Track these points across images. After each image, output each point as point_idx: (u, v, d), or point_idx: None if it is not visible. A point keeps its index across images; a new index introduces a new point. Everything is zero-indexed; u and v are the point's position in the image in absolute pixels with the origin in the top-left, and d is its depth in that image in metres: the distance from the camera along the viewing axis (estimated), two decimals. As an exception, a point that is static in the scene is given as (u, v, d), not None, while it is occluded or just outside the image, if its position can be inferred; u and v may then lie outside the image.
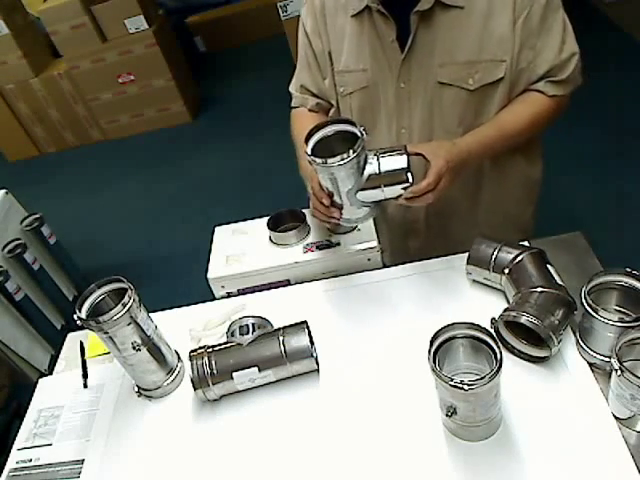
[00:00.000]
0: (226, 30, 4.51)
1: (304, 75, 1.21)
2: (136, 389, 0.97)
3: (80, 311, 0.87)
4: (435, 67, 1.02)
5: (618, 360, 0.70)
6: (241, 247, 1.17)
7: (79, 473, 0.88)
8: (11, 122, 3.87)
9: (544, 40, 1.00)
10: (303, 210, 1.16)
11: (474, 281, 1.00)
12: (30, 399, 1.03)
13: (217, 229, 1.24)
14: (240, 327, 0.93)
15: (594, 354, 0.82)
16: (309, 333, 0.90)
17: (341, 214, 0.96)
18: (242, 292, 1.13)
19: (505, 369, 0.69)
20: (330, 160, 0.85)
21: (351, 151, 0.84)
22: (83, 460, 0.90)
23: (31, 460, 0.93)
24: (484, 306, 0.94)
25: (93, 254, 2.85)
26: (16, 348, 2.06)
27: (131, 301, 0.84)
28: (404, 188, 0.90)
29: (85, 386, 1.02)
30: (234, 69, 4.33)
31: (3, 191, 2.32)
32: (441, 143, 0.99)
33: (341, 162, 0.85)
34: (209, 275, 1.12)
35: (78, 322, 0.85)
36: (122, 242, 2.96)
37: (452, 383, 0.68)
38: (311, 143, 0.90)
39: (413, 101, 1.07)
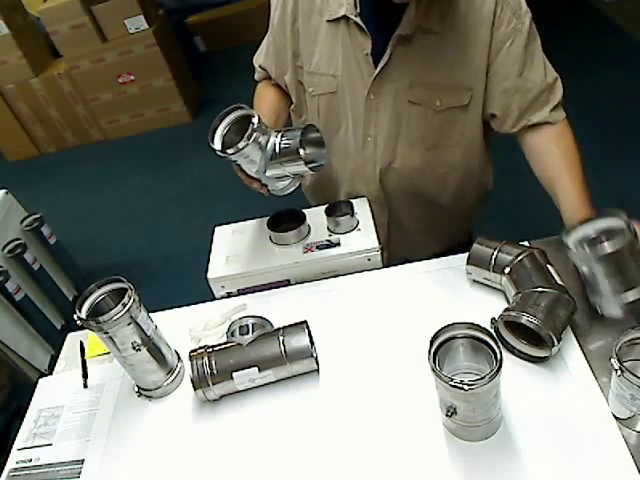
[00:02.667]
0: (226, 30, 4.51)
1: (268, 60, 1.23)
2: (136, 389, 0.97)
3: (80, 311, 0.87)
4: (406, 86, 1.05)
5: (618, 360, 0.70)
6: (241, 247, 1.17)
7: (79, 473, 0.88)
8: (11, 122, 3.87)
9: (529, 67, 1.03)
10: (303, 210, 1.16)
11: (474, 281, 1.00)
12: (30, 399, 1.03)
13: (217, 229, 1.24)
14: (240, 327, 0.93)
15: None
16: (309, 333, 0.90)
17: (267, 188, 1.03)
18: (242, 292, 1.13)
19: (505, 369, 0.69)
20: (228, 151, 0.91)
21: (241, 142, 0.90)
22: (83, 460, 0.90)
23: (31, 460, 0.92)
24: (484, 306, 0.94)
25: (93, 254, 2.85)
26: (16, 348, 2.06)
27: (131, 301, 0.84)
28: (308, 163, 0.96)
29: (85, 386, 1.02)
30: (234, 69, 4.32)
31: (3, 191, 2.32)
32: None
33: (235, 151, 0.91)
34: (209, 275, 1.12)
35: (78, 322, 0.85)
36: (122, 242, 2.96)
37: (452, 383, 0.68)
38: (217, 137, 0.96)
39: (381, 113, 1.10)
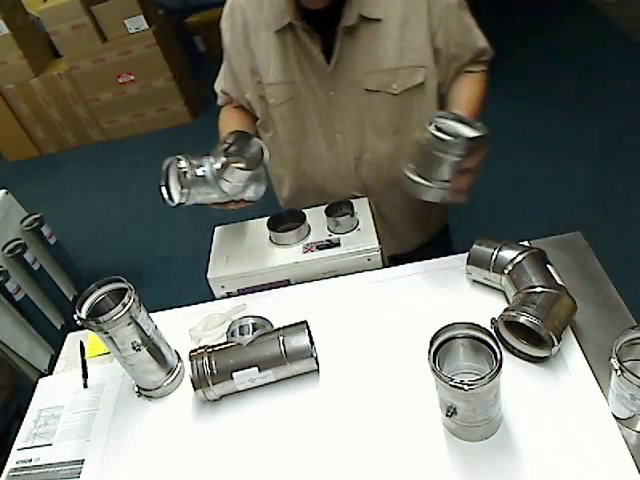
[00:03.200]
0: (226, 30, 4.51)
1: (227, 84, 1.27)
2: (136, 389, 0.97)
3: (80, 311, 0.87)
4: (361, 76, 1.10)
5: (618, 360, 0.70)
6: (241, 247, 1.17)
7: (79, 473, 0.88)
8: (11, 122, 3.88)
9: (466, 36, 1.12)
10: (303, 210, 1.16)
11: (474, 281, 1.00)
12: (30, 399, 1.03)
13: (217, 229, 1.24)
14: (240, 327, 0.93)
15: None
16: (309, 333, 0.90)
17: (245, 202, 1.07)
18: (242, 292, 1.13)
19: (505, 369, 0.69)
20: (180, 203, 0.98)
21: (183, 193, 0.97)
22: (83, 460, 0.90)
23: (31, 460, 0.92)
24: (484, 306, 0.94)
25: (93, 254, 2.86)
26: (16, 348, 2.06)
27: (131, 301, 0.84)
28: (248, 169, 1.00)
29: (85, 386, 1.02)
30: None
31: (3, 191, 2.32)
32: None
33: (184, 200, 0.98)
34: (209, 275, 1.12)
35: (78, 322, 0.85)
36: (122, 242, 2.96)
37: (452, 383, 0.68)
38: (174, 193, 1.00)
39: (344, 107, 1.14)
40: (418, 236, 1.38)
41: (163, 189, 0.99)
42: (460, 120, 0.91)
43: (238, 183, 1.01)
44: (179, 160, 0.98)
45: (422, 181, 0.93)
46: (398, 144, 1.18)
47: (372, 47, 1.07)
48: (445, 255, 1.09)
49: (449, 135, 0.87)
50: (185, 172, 0.96)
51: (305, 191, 1.31)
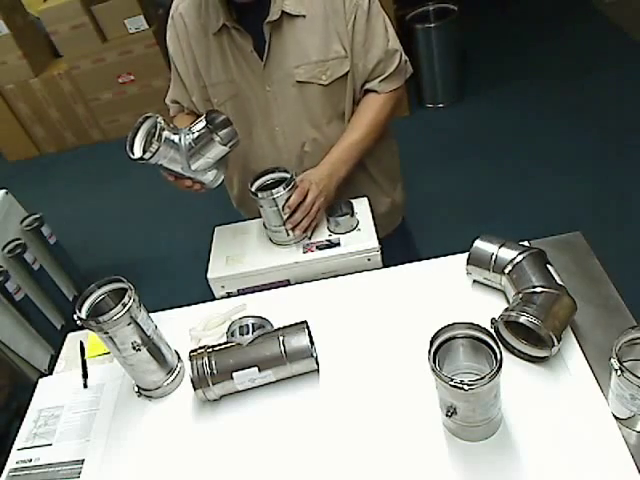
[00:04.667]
0: (226, 30, 4.51)
1: (176, 91, 1.34)
2: (136, 389, 0.97)
3: (80, 311, 0.87)
4: (292, 69, 1.16)
5: (618, 360, 0.70)
6: (241, 247, 1.17)
7: (79, 473, 0.88)
8: (11, 122, 3.87)
9: (370, 40, 1.16)
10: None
11: (474, 281, 1.00)
12: (30, 399, 1.03)
13: (217, 229, 1.24)
14: (240, 327, 0.93)
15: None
16: (309, 333, 0.90)
17: (200, 183, 1.09)
18: (242, 292, 1.13)
19: (505, 369, 0.69)
20: (144, 156, 0.96)
21: (154, 144, 0.95)
22: (83, 460, 0.90)
23: (31, 460, 0.92)
24: (484, 306, 0.94)
25: (93, 254, 2.86)
26: (16, 348, 2.06)
27: (131, 301, 0.84)
28: (224, 144, 1.03)
29: (85, 386, 1.02)
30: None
31: (3, 191, 2.32)
32: (311, 171, 1.18)
33: (151, 153, 0.95)
34: (209, 275, 1.12)
35: (78, 322, 0.85)
36: (122, 242, 2.96)
37: (452, 383, 0.68)
38: (137, 147, 1.01)
39: (280, 101, 1.20)
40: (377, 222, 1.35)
41: (129, 139, 1.00)
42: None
43: (209, 159, 1.03)
44: (157, 118, 0.98)
45: (267, 230, 1.14)
46: (333, 132, 1.23)
47: (299, 41, 1.14)
48: (404, 253, 1.14)
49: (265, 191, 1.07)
50: (162, 129, 0.96)
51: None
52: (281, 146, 1.25)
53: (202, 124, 1.01)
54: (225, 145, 1.03)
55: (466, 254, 0.97)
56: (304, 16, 1.12)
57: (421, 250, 1.59)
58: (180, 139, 1.00)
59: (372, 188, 1.34)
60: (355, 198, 1.20)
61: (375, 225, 1.15)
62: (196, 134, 1.01)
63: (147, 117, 1.00)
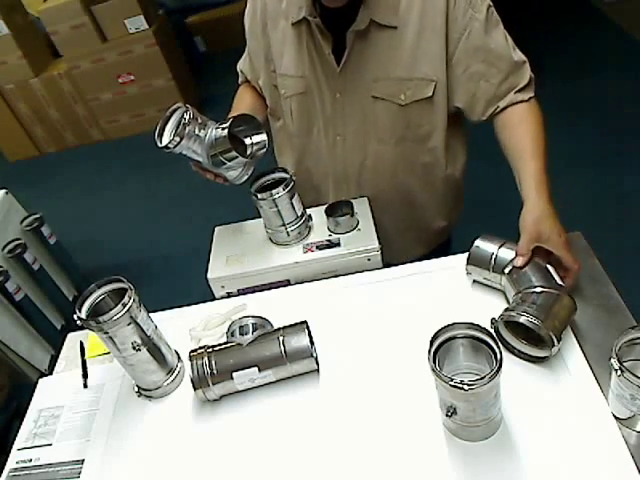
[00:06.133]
0: (226, 30, 4.50)
1: (245, 64, 1.29)
2: (136, 389, 0.97)
3: (80, 311, 0.87)
4: (369, 82, 1.08)
5: (618, 360, 0.70)
6: (241, 247, 1.17)
7: (79, 473, 0.88)
8: (11, 122, 3.88)
9: (491, 54, 1.05)
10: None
11: (474, 281, 1.00)
12: (30, 399, 1.03)
13: (217, 229, 1.24)
14: (240, 327, 0.93)
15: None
16: (309, 333, 0.90)
17: (222, 177, 1.07)
18: (242, 292, 1.13)
19: (505, 369, 0.69)
20: (169, 145, 0.97)
21: (175, 136, 0.96)
22: (83, 460, 0.90)
23: (31, 460, 0.92)
24: (484, 306, 0.94)
25: (93, 254, 2.85)
26: (16, 348, 2.06)
27: (131, 301, 0.84)
28: (243, 156, 1.00)
29: (85, 386, 1.02)
30: (234, 69, 4.33)
31: (3, 191, 2.32)
32: (527, 218, 0.98)
33: (174, 144, 0.97)
34: (209, 275, 1.12)
35: (78, 322, 0.85)
36: (122, 242, 2.96)
37: (452, 383, 0.68)
38: (166, 135, 1.00)
39: (348, 111, 1.13)
40: (417, 247, 1.35)
41: (159, 127, 1.00)
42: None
43: (227, 161, 1.02)
44: (187, 110, 0.98)
45: (267, 230, 1.15)
46: (401, 154, 1.17)
47: (383, 54, 1.05)
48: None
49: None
50: (186, 124, 0.96)
51: (304, 186, 1.30)
52: (338, 155, 1.20)
53: (224, 132, 0.98)
54: (243, 157, 1.00)
55: (466, 254, 0.97)
56: (395, 27, 1.02)
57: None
58: (206, 135, 1.00)
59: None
60: (355, 198, 1.20)
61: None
62: (216, 135, 1.00)
63: (178, 107, 1.00)
